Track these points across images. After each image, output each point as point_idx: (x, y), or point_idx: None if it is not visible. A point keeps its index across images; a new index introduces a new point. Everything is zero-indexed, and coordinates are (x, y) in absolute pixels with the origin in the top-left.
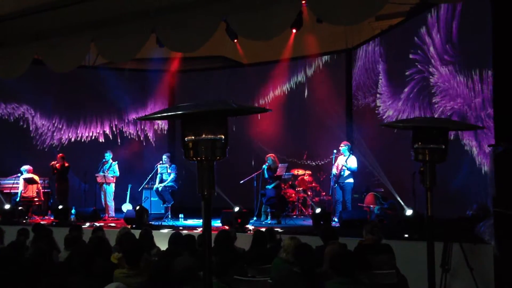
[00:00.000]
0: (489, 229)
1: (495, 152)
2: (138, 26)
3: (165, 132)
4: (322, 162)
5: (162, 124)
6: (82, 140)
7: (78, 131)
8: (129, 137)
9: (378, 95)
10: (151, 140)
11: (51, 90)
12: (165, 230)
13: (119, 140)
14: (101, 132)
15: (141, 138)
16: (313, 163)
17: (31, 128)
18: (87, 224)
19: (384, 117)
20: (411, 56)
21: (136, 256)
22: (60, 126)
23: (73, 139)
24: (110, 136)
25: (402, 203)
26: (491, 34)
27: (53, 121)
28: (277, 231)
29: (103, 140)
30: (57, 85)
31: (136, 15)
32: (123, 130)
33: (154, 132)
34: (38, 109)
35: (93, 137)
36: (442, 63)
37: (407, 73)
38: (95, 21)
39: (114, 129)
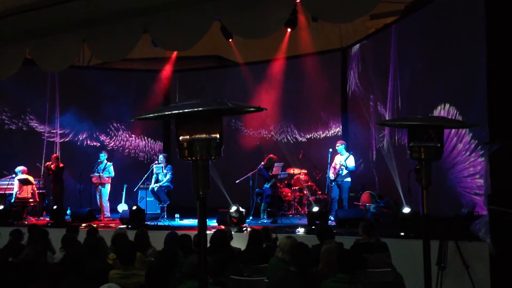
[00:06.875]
0: (484, 226)
1: (490, 150)
2: (130, 24)
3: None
4: (318, 161)
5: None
6: (78, 140)
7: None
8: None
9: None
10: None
11: (45, 90)
12: (161, 230)
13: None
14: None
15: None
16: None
17: (25, 129)
18: (83, 225)
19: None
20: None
21: (129, 256)
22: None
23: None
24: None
25: (404, 201)
26: (485, 34)
27: (48, 122)
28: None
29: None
30: (51, 85)
31: (128, 14)
32: (119, 130)
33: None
34: (33, 110)
35: (88, 138)
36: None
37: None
38: (86, 20)
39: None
